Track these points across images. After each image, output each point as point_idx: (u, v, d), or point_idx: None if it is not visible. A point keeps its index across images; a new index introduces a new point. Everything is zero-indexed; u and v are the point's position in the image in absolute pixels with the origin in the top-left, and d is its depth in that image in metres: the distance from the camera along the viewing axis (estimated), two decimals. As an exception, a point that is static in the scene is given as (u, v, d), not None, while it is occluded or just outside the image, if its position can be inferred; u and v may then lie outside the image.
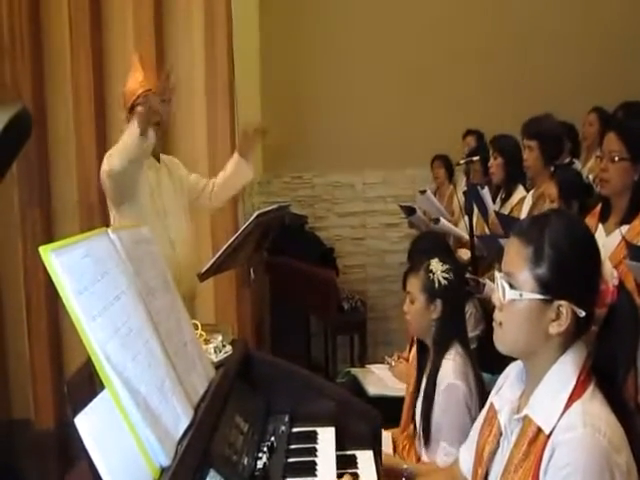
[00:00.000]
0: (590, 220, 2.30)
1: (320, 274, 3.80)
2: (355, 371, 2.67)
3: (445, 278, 1.91)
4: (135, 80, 2.51)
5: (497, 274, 1.19)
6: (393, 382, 2.56)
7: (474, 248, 3.20)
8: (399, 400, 2.17)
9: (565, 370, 1.13)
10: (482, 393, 1.86)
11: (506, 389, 1.27)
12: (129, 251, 1.14)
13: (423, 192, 3.58)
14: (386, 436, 1.92)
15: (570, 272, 1.12)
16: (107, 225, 2.53)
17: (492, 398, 1.30)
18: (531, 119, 2.87)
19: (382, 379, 2.59)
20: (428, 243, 2.80)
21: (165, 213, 2.58)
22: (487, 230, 3.28)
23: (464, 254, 3.43)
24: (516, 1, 4.62)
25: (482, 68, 4.58)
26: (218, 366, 1.44)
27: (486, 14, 4.59)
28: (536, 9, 4.59)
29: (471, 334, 2.61)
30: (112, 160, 2.36)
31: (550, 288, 1.12)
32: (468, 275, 2.68)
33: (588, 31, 4.59)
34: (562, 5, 4.61)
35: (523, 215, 2.97)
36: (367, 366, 2.75)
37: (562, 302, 1.11)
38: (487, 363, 2.08)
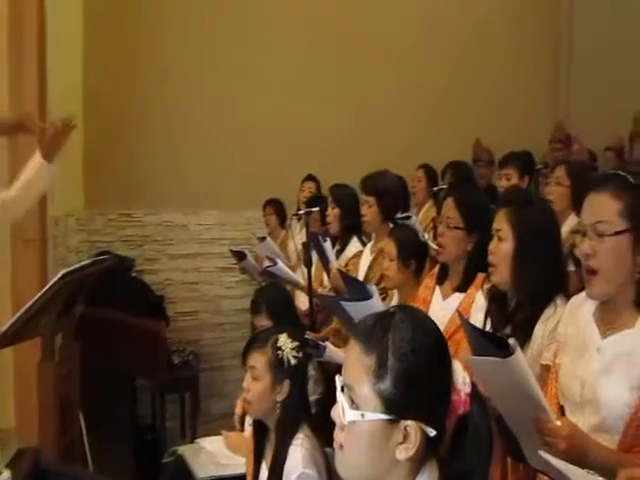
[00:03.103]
0: (428, 281, 2.32)
1: (147, 327, 3.42)
2: (183, 450, 2.37)
3: (295, 357, 1.74)
4: None
5: (337, 382, 1.02)
6: (228, 458, 2.31)
7: (312, 302, 3.11)
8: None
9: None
10: (329, 472, 1.73)
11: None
12: None
13: (263, 239, 3.42)
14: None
15: (418, 386, 0.98)
16: None
17: None
18: (369, 175, 2.87)
19: (215, 455, 2.32)
20: (271, 295, 2.61)
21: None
22: (326, 280, 3.21)
23: (302, 304, 3.33)
24: (359, 59, 4.71)
25: (324, 116, 4.59)
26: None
27: (329, 68, 4.63)
28: (375, 69, 4.76)
29: (311, 397, 2.48)
30: None
31: (395, 406, 0.97)
32: (307, 336, 2.54)
33: (418, 95, 4.86)
34: (399, 69, 4.84)
35: (362, 270, 2.95)
36: (197, 441, 2.46)
37: (409, 422, 0.97)
38: (329, 435, 1.94)
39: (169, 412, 3.90)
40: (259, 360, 1.75)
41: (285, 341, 1.75)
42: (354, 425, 0.98)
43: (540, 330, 1.67)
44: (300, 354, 1.75)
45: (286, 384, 1.73)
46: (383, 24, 4.80)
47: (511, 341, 1.19)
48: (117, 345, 3.29)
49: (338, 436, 1.01)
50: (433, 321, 1.09)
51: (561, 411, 1.49)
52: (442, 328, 2.02)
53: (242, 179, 4.38)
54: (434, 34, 4.94)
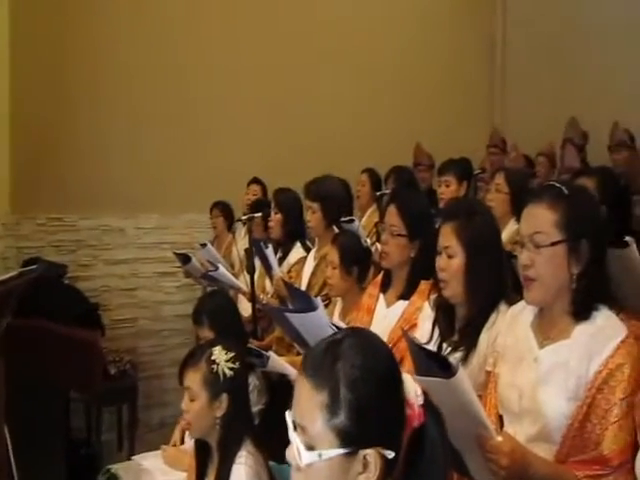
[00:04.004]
0: (372, 289, 2.31)
1: (80, 337, 3.26)
2: (117, 468, 2.27)
3: (231, 368, 1.68)
4: None
5: (289, 420, 0.98)
6: (165, 474, 2.23)
7: (255, 309, 3.06)
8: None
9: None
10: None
11: None
12: None
13: (204, 245, 3.33)
14: None
15: (372, 412, 0.95)
16: None
17: None
18: (312, 180, 2.84)
19: (151, 472, 2.24)
20: (214, 304, 2.52)
21: None
22: (269, 286, 3.16)
23: (244, 311, 3.26)
24: (304, 63, 4.68)
25: (270, 118, 4.53)
26: None
27: (274, 71, 4.56)
28: (320, 74, 4.74)
29: (254, 408, 2.43)
30: None
31: (352, 438, 0.94)
32: (251, 345, 2.48)
33: (362, 98, 4.87)
34: (343, 73, 4.83)
35: (305, 277, 2.91)
36: (134, 458, 2.36)
37: (368, 450, 0.94)
38: (274, 447, 1.90)
39: (105, 424, 3.74)
40: (193, 379, 1.68)
41: (219, 354, 1.69)
42: (312, 466, 0.94)
43: (485, 337, 1.69)
44: (237, 364, 1.69)
45: (224, 398, 1.67)
46: (326, 26, 4.79)
47: (453, 361, 1.19)
48: (48, 357, 3.12)
49: (295, 476, 0.97)
50: (382, 341, 1.07)
51: (500, 421, 1.50)
52: (386, 336, 2.06)
53: (184, 181, 4.26)
54: (376, 40, 4.98)
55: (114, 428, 3.83)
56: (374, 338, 1.05)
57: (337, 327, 1.56)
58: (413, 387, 1.04)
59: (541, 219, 1.37)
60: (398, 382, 1.01)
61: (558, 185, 1.40)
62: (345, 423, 0.93)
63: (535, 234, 1.37)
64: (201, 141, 4.33)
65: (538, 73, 5.16)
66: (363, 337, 1.02)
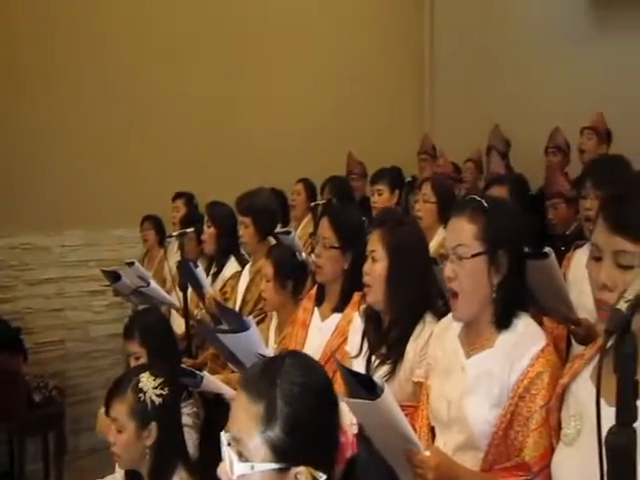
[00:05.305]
0: (306, 303, 2.28)
1: (0, 364, 3.07)
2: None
3: (159, 395, 1.60)
4: None
5: (223, 438, 0.95)
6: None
7: (189, 325, 2.98)
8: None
9: None
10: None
11: None
12: None
13: (131, 264, 3.20)
14: None
15: (308, 430, 0.96)
16: None
17: None
18: (243, 195, 2.79)
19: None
20: (147, 320, 2.41)
21: None
22: (202, 305, 3.08)
23: (178, 328, 3.16)
24: (233, 74, 4.60)
25: (200, 131, 4.42)
26: None
27: (202, 81, 4.45)
28: (251, 84, 4.67)
29: (194, 438, 2.34)
30: None
31: (285, 453, 0.94)
32: (184, 365, 2.40)
33: (296, 109, 4.85)
34: (276, 84, 4.79)
35: (240, 291, 2.86)
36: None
37: (300, 469, 0.94)
38: (211, 471, 1.83)
39: (30, 454, 3.54)
40: (120, 411, 1.60)
41: (146, 381, 1.62)
42: (243, 478, 0.93)
43: (412, 348, 1.72)
44: (165, 390, 1.62)
45: (153, 427, 1.60)
46: (255, 37, 4.75)
47: (379, 381, 1.20)
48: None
49: None
50: (321, 365, 1.09)
51: (432, 432, 1.52)
52: (320, 350, 2.05)
53: (112, 195, 4.08)
54: (306, 50, 4.98)
55: (40, 457, 3.63)
56: (313, 361, 1.07)
57: (263, 356, 1.53)
58: (349, 416, 1.07)
59: (463, 232, 1.41)
60: (334, 404, 1.02)
61: (478, 198, 1.45)
62: (280, 437, 0.93)
63: (458, 247, 1.41)
64: (130, 153, 4.18)
65: (466, 81, 5.32)
66: (303, 358, 1.04)
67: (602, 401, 0.75)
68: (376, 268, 1.74)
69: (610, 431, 0.74)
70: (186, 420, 1.96)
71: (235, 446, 0.94)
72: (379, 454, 1.24)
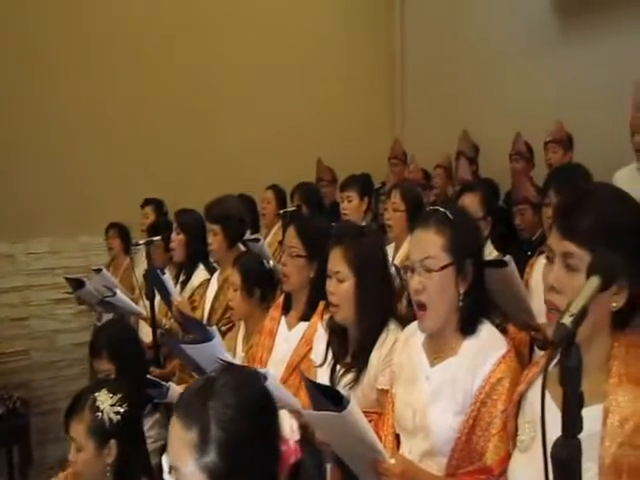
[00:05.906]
0: (273, 312, 2.28)
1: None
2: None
3: (117, 412, 1.57)
4: None
5: (164, 464, 0.94)
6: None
7: (156, 335, 2.94)
8: None
9: None
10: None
11: None
12: None
13: (98, 271, 3.15)
14: None
15: (245, 451, 0.94)
16: None
17: None
18: (212, 202, 2.77)
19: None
20: (112, 335, 2.37)
21: None
22: (171, 314, 3.04)
23: (146, 336, 3.12)
24: (204, 80, 4.56)
25: (170, 137, 4.38)
26: None
27: (174, 87, 4.41)
28: (220, 90, 4.64)
29: (157, 444, 2.31)
30: None
31: (223, 478, 0.93)
32: (149, 376, 2.36)
33: (267, 114, 4.82)
34: (245, 89, 4.76)
35: (209, 299, 2.83)
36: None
37: None
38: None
39: (-5, 469, 3.46)
40: (77, 430, 1.58)
41: (104, 399, 1.59)
42: None
43: (375, 356, 1.73)
44: (124, 407, 1.60)
45: (113, 444, 1.57)
46: (227, 42, 4.73)
47: (345, 394, 1.21)
48: None
49: None
50: (258, 378, 1.07)
51: (397, 439, 1.53)
52: (287, 359, 2.04)
53: (77, 202, 4.02)
54: (275, 55, 4.96)
55: (5, 470, 3.54)
56: (249, 375, 1.05)
57: (224, 361, 1.51)
58: (289, 423, 1.05)
59: (430, 244, 1.42)
60: (273, 415, 1.01)
61: (442, 210, 1.45)
62: (215, 462, 0.92)
63: (426, 259, 1.41)
64: (96, 160, 4.11)
65: (436, 86, 5.36)
66: (235, 375, 1.01)
67: (555, 406, 0.76)
68: (342, 287, 1.72)
69: (555, 443, 0.75)
70: (150, 433, 1.94)
71: (174, 474, 0.94)
72: (322, 457, 1.26)
